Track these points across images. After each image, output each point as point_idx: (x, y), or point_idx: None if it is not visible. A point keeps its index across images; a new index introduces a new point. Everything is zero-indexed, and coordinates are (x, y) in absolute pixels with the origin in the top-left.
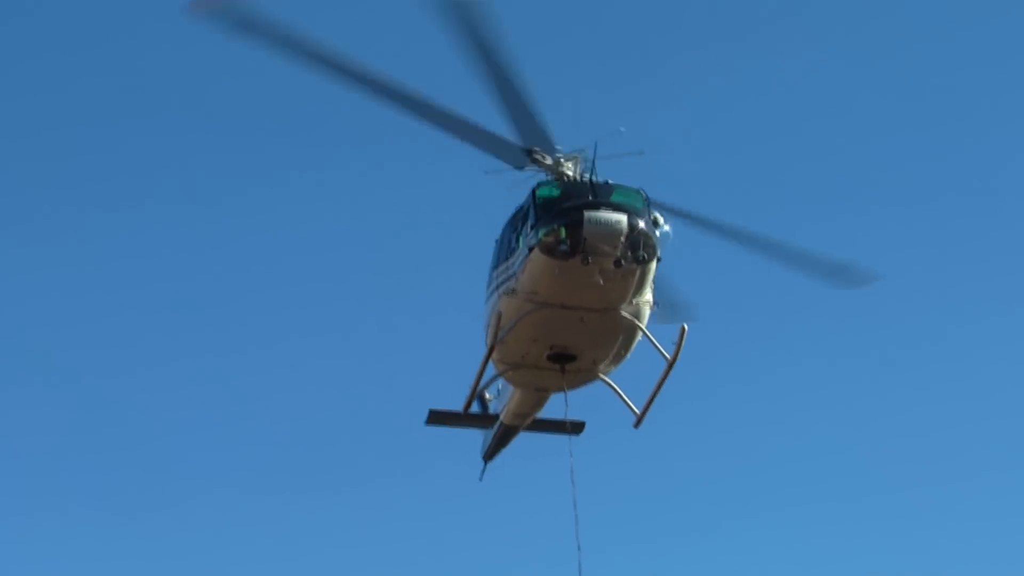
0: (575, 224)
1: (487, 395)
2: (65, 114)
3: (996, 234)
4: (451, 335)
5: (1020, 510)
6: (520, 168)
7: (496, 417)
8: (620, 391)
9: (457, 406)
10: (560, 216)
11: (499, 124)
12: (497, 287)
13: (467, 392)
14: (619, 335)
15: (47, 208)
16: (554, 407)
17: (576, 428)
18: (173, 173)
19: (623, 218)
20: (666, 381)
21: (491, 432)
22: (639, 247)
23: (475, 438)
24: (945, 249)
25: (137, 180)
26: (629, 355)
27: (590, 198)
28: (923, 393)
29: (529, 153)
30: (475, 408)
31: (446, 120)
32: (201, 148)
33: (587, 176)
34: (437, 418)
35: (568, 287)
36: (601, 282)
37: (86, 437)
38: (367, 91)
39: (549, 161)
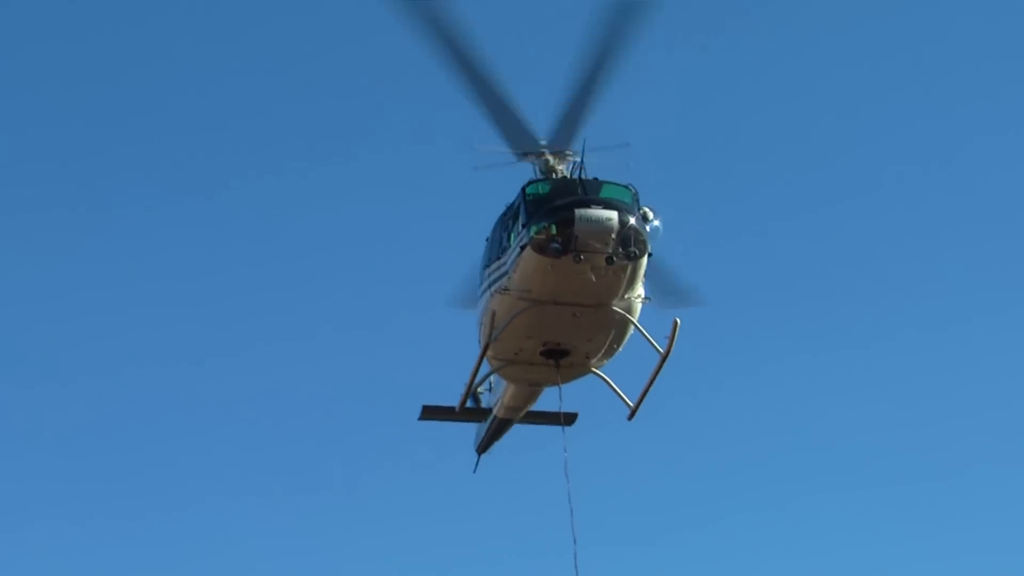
0: (566, 222)
1: (479, 389)
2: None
3: (996, 232)
4: (441, 331)
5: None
6: (517, 157)
7: (489, 411)
8: (613, 384)
9: (447, 400)
10: (551, 214)
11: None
12: (489, 285)
13: (460, 388)
14: (611, 330)
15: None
16: (547, 398)
17: (569, 419)
18: (165, 172)
19: (613, 215)
20: (660, 374)
21: (484, 425)
22: (630, 243)
23: (468, 431)
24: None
25: (120, 178)
26: (621, 349)
27: (580, 195)
28: (921, 386)
29: (539, 148)
30: (468, 403)
31: (485, 85)
32: (181, 146)
33: (576, 173)
34: (430, 413)
35: (561, 284)
36: (593, 279)
37: (80, 438)
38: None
39: (547, 158)
